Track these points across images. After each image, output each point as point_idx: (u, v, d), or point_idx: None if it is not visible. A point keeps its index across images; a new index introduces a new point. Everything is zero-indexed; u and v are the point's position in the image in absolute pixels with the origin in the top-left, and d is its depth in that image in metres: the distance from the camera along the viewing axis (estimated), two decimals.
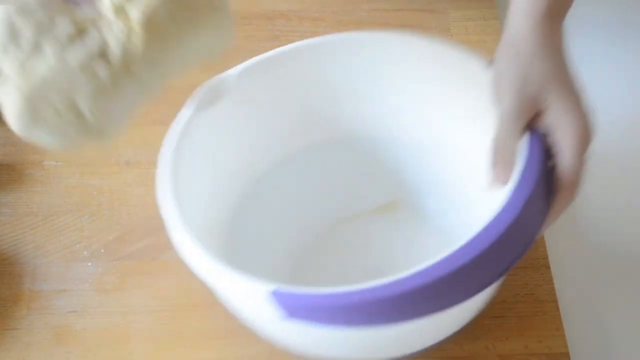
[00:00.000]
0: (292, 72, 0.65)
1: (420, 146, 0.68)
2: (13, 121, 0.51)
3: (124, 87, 0.51)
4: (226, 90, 0.63)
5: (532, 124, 0.54)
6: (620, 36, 0.82)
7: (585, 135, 0.52)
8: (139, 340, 0.65)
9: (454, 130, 0.66)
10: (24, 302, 0.67)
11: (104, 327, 0.66)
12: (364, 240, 0.69)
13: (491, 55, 0.57)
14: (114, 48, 0.50)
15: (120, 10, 0.50)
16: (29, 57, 0.49)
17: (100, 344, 0.65)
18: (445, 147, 0.67)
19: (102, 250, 0.69)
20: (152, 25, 0.50)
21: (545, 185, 0.52)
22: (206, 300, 0.67)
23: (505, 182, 0.54)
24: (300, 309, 0.49)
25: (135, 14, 0.50)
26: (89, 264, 0.69)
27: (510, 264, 0.50)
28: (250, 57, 0.65)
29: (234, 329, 0.65)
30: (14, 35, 0.49)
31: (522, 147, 0.53)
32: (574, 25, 0.58)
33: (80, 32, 0.50)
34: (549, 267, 0.67)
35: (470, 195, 0.64)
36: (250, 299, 0.51)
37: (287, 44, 0.65)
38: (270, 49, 0.65)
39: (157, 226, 0.70)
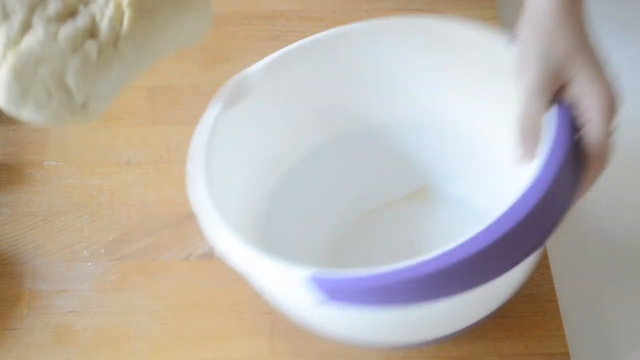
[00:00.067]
0: (317, 64, 0.66)
1: (445, 130, 0.68)
2: (1, 95, 0.51)
3: (110, 66, 0.52)
4: (250, 86, 0.63)
5: (557, 97, 0.54)
6: (619, 36, 0.82)
7: (612, 104, 0.52)
8: (139, 340, 0.65)
9: (478, 112, 0.66)
10: (24, 302, 0.67)
11: (104, 327, 0.66)
12: (396, 227, 0.70)
13: (512, 32, 0.58)
14: (103, 27, 0.51)
15: None
16: (19, 33, 0.50)
17: (100, 344, 0.65)
18: (470, 129, 0.67)
19: (102, 250, 0.69)
20: (141, 6, 0.52)
21: (574, 158, 0.52)
22: (206, 300, 0.67)
23: (532, 157, 0.54)
24: (340, 291, 0.49)
25: None
26: (89, 264, 0.69)
27: (544, 237, 0.50)
28: (251, 57, 0.65)
29: (234, 329, 0.65)
30: (4, 11, 0.50)
31: (549, 121, 0.53)
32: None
33: (70, 11, 0.51)
34: (549, 267, 0.67)
35: (500, 175, 0.64)
36: (288, 285, 0.51)
37: (286, 44, 0.65)
38: (270, 49, 0.65)
39: (157, 226, 0.71)
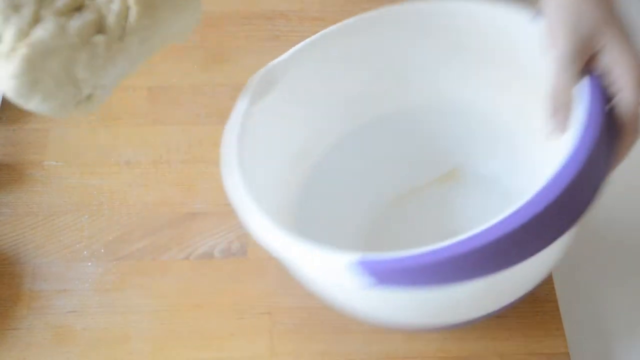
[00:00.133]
0: (342, 52, 0.66)
1: (472, 110, 0.69)
2: (11, 86, 0.51)
3: (116, 59, 0.53)
4: (277, 78, 0.63)
5: (587, 68, 0.54)
6: None
7: None
8: (139, 340, 0.65)
9: (505, 89, 0.66)
10: (24, 302, 0.67)
11: (103, 327, 0.66)
12: (428, 210, 0.70)
13: (535, 8, 0.58)
14: (111, 22, 0.52)
15: None
16: (30, 25, 0.50)
17: (100, 344, 0.65)
18: (498, 107, 0.67)
19: (102, 250, 0.69)
20: (146, 3, 0.53)
21: (607, 129, 0.52)
22: (206, 300, 0.67)
23: (564, 129, 0.54)
24: (389, 273, 0.49)
25: None
26: (89, 264, 0.69)
27: (584, 208, 0.51)
28: (251, 57, 0.65)
29: (234, 329, 0.65)
30: (14, 3, 0.50)
31: (580, 92, 0.53)
32: None
33: (76, 5, 0.52)
34: None
35: (530, 153, 0.64)
36: (333, 271, 0.51)
37: (287, 44, 0.65)
38: (270, 49, 0.66)
39: (157, 226, 0.71)
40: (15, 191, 0.73)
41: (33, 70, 0.51)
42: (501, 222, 0.48)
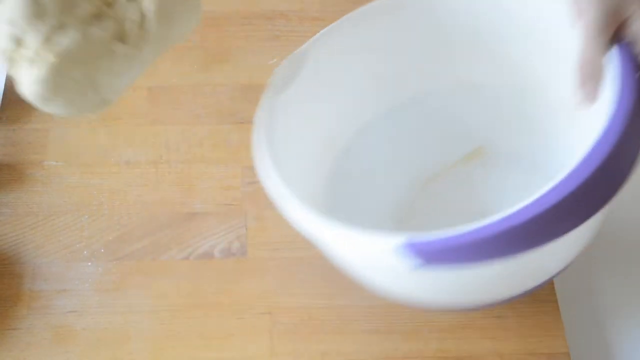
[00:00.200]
0: (370, 32, 0.66)
1: (496, 88, 0.69)
2: (35, 90, 0.53)
3: (133, 65, 0.55)
4: (304, 63, 0.64)
5: (616, 36, 0.53)
6: None
7: None
8: (139, 340, 0.65)
9: (532, 65, 0.65)
10: (24, 302, 0.67)
11: (104, 327, 0.66)
12: (458, 189, 0.70)
13: None
14: (131, 31, 0.53)
15: None
16: (54, 31, 0.51)
17: (100, 344, 0.65)
18: (522, 83, 0.67)
19: (102, 250, 0.69)
20: (163, 13, 0.54)
21: None
22: (206, 300, 0.67)
23: (594, 99, 0.54)
24: (437, 253, 0.50)
25: (149, 3, 0.54)
26: (89, 264, 0.69)
27: (624, 178, 0.51)
28: (251, 57, 0.65)
29: (234, 329, 0.65)
30: (39, 9, 0.51)
31: (611, 61, 0.53)
32: None
33: (97, 13, 0.53)
34: None
35: (556, 127, 0.64)
36: (378, 254, 0.51)
37: (287, 44, 0.65)
38: (270, 49, 0.66)
39: (157, 226, 0.71)
40: (15, 191, 0.73)
41: (59, 76, 0.52)
42: (547, 194, 0.48)
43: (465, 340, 0.64)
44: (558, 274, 0.61)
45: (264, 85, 0.63)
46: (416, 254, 0.50)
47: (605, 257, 0.69)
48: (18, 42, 0.51)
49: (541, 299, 0.66)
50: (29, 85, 0.53)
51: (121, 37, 0.53)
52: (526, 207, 0.48)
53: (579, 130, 0.52)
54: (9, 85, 0.77)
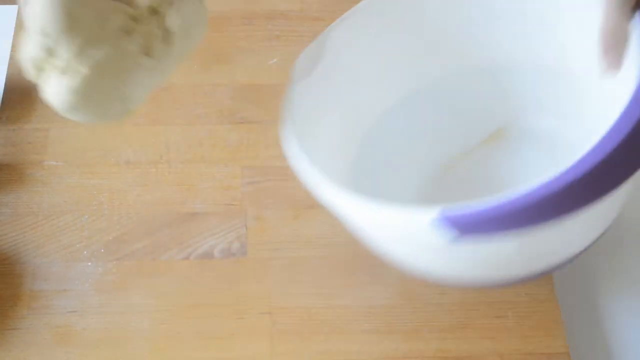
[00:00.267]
0: (393, 15, 0.67)
1: (520, 68, 0.69)
2: (66, 100, 0.53)
3: (156, 78, 0.57)
4: (325, 50, 0.64)
5: (639, 4, 0.53)
6: None
7: None
8: (139, 340, 0.65)
9: (550, 43, 0.65)
10: (24, 302, 0.67)
11: (104, 327, 0.66)
12: (482, 169, 0.71)
13: None
14: (157, 47, 0.55)
15: (156, 12, 0.55)
16: (87, 44, 0.52)
17: (100, 344, 0.65)
18: (545, 62, 0.67)
19: (102, 250, 0.69)
20: (185, 29, 0.56)
21: None
22: (206, 300, 0.67)
23: (618, 67, 0.53)
24: (474, 224, 0.49)
25: (174, 19, 0.55)
26: (89, 263, 0.69)
27: None
28: (251, 57, 0.65)
29: (234, 329, 0.65)
30: (74, 23, 0.51)
31: (634, 27, 0.52)
32: None
33: (126, 28, 0.54)
34: None
35: (576, 104, 0.64)
36: (413, 229, 0.51)
37: (287, 44, 0.65)
38: (270, 49, 0.66)
39: (157, 226, 0.71)
40: (15, 191, 0.73)
41: (90, 88, 0.53)
42: (580, 161, 0.48)
43: (465, 340, 0.64)
44: (590, 245, 0.60)
45: (264, 85, 0.63)
46: (452, 226, 0.50)
47: (606, 257, 0.69)
48: (49, 51, 0.52)
49: (541, 299, 0.66)
50: (58, 94, 0.53)
51: (147, 51, 0.54)
52: (564, 174, 0.48)
53: (598, 109, 0.51)
54: (9, 85, 0.77)
